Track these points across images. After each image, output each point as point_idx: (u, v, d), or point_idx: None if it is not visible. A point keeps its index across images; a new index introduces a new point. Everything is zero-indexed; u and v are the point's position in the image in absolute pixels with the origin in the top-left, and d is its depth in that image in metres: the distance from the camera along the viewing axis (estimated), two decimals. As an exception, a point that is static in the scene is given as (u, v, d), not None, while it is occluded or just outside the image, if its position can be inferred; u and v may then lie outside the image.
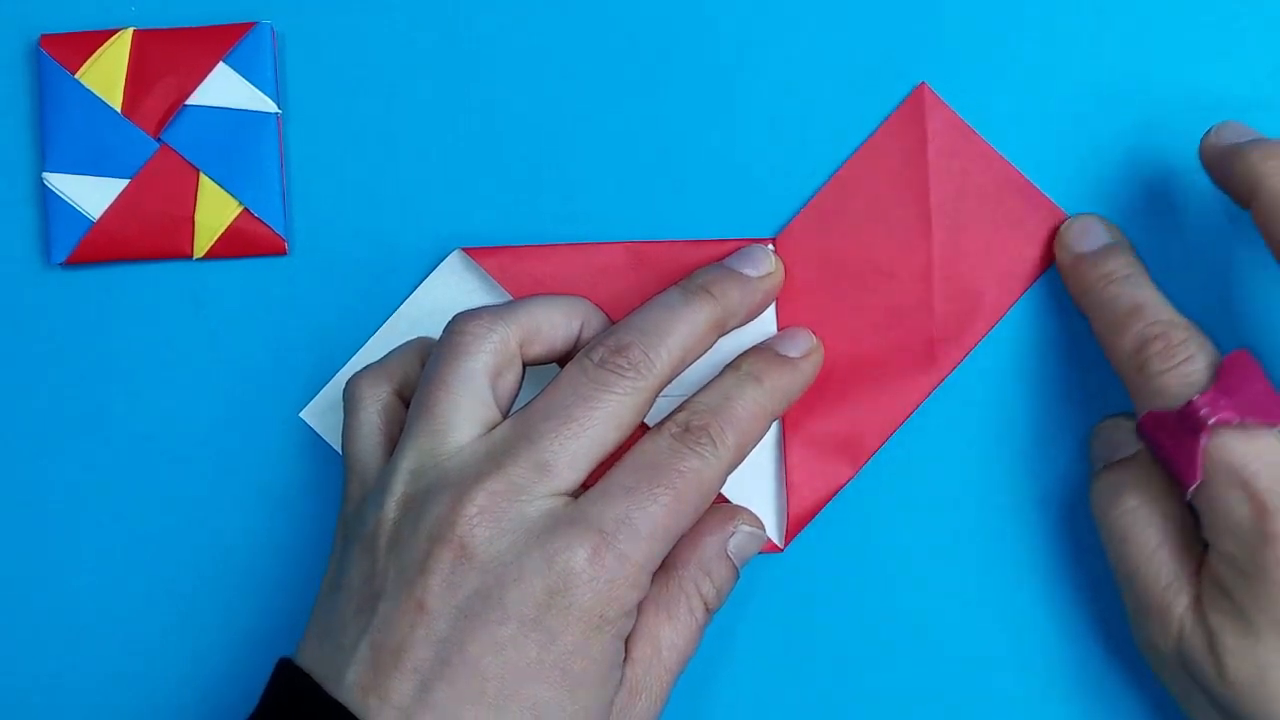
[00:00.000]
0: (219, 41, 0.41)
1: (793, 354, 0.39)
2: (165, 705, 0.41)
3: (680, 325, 0.37)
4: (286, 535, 0.41)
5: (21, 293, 0.42)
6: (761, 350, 0.39)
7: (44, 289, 0.42)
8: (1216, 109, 0.40)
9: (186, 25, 0.41)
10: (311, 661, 0.35)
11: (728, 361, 0.39)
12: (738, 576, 0.38)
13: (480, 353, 0.36)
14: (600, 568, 0.33)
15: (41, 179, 0.41)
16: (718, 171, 0.41)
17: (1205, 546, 0.35)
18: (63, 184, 0.41)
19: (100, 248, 0.41)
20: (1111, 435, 0.39)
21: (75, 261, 0.41)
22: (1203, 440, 0.33)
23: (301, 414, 0.41)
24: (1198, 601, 0.35)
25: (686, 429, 0.36)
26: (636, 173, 0.41)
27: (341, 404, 0.41)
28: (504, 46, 0.41)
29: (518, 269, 0.40)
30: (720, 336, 0.38)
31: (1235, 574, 0.33)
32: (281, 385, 0.41)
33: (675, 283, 0.38)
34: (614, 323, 0.38)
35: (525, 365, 0.37)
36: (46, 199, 0.41)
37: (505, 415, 0.36)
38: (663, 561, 0.36)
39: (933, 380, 0.40)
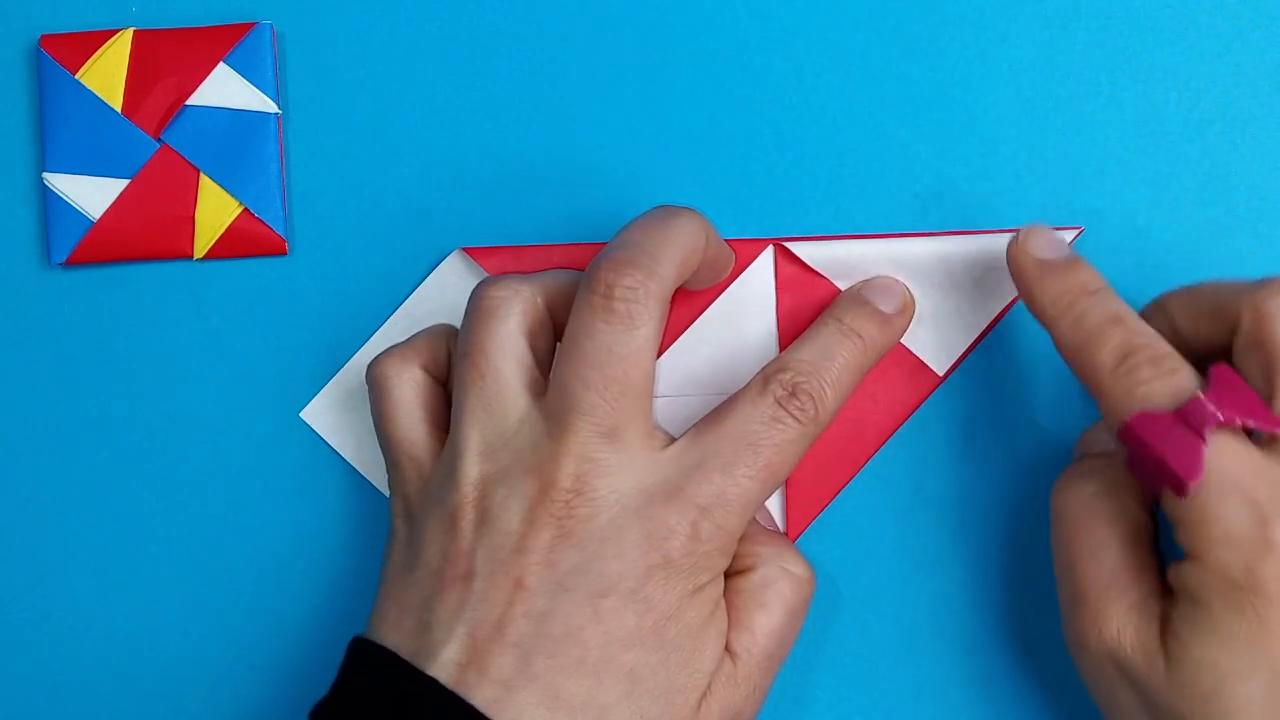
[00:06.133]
0: (219, 41, 0.41)
1: (888, 309, 0.38)
2: (164, 704, 0.41)
3: (674, 235, 0.36)
4: (286, 535, 0.41)
5: (21, 293, 0.42)
6: (860, 303, 0.38)
7: (44, 289, 0.42)
8: (1216, 108, 0.40)
9: (186, 25, 0.41)
10: (396, 640, 0.34)
11: (728, 354, 0.39)
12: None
13: (512, 314, 0.36)
14: (697, 541, 0.34)
15: (41, 179, 0.41)
16: (718, 171, 0.41)
17: (1160, 561, 0.35)
18: (63, 184, 0.41)
19: (100, 248, 0.41)
20: (1093, 434, 0.39)
21: (75, 261, 0.41)
22: (1206, 436, 0.32)
23: (301, 414, 0.41)
24: (1145, 604, 0.34)
25: (792, 393, 0.35)
26: (637, 173, 0.41)
27: (343, 403, 0.41)
28: (504, 46, 0.41)
29: (518, 269, 0.40)
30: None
31: (1221, 583, 0.32)
32: (281, 385, 0.41)
33: None
34: None
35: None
36: (46, 199, 0.41)
37: (547, 376, 0.36)
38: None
39: (933, 380, 0.40)
